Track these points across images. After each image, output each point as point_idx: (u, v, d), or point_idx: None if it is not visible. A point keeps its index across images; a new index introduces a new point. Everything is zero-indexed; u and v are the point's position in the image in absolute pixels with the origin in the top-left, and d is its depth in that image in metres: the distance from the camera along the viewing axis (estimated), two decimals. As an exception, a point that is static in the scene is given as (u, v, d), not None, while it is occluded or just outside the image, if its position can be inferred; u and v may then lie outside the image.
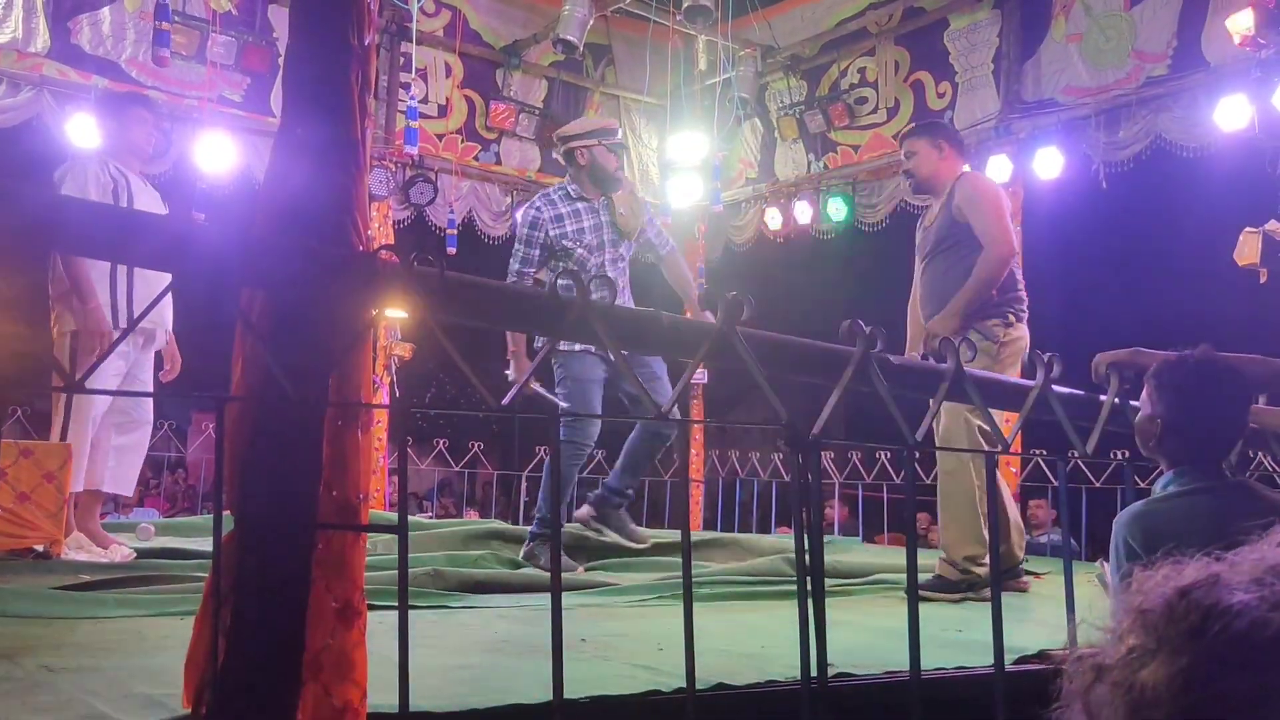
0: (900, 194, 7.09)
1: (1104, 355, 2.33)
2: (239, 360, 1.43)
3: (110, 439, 4.42)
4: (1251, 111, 5.33)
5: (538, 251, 4.54)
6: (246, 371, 1.41)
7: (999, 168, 6.23)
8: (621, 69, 8.13)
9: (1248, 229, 5.27)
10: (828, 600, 1.44)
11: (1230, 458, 2.29)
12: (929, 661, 2.20)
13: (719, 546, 5.48)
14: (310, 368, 1.36)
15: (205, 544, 4.01)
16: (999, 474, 1.77)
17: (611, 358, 4.30)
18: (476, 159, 7.53)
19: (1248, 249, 5.24)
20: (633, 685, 2.12)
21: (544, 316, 1.47)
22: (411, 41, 6.80)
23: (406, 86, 6.93)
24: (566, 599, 1.49)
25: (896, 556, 5.22)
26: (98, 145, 4.64)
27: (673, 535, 5.92)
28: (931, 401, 1.65)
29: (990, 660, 1.56)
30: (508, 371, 4.49)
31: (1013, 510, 4.31)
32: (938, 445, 3.99)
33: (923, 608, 1.58)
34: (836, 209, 7.31)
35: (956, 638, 2.99)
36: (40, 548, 3.86)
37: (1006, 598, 3.28)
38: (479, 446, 8.22)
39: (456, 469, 8.71)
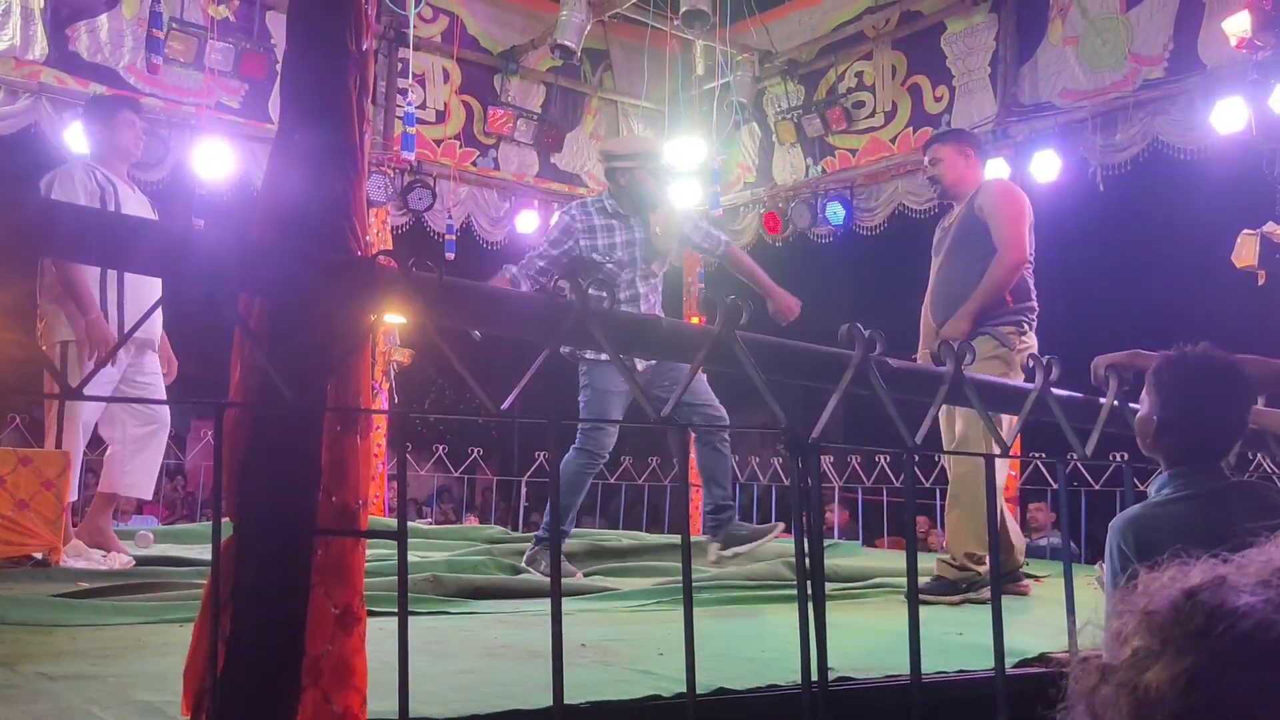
0: (898, 197, 7.10)
1: (1103, 358, 2.33)
2: (237, 366, 1.43)
3: (126, 443, 4.41)
4: (1248, 114, 5.33)
5: (559, 254, 4.52)
6: (245, 377, 1.41)
7: (996, 171, 6.22)
8: (619, 74, 8.13)
9: (1245, 231, 5.27)
10: (828, 604, 1.44)
11: (1230, 458, 2.29)
12: (930, 665, 2.19)
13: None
14: (309, 373, 1.36)
15: (204, 551, 4.01)
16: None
17: (640, 367, 4.31)
18: (474, 164, 7.54)
19: (1245, 251, 5.23)
20: (633, 690, 2.11)
21: (542, 321, 1.47)
22: (409, 47, 6.80)
23: (404, 92, 6.94)
24: (566, 604, 1.49)
25: (897, 560, 5.22)
26: (85, 151, 4.61)
27: (672, 539, 5.92)
28: (937, 405, 1.65)
29: (991, 663, 1.56)
30: None
31: (1010, 522, 4.32)
32: (952, 448, 4.03)
33: (923, 611, 1.58)
34: (834, 213, 7.32)
35: (957, 641, 2.99)
36: (39, 555, 3.85)
37: (1007, 600, 3.28)
38: (478, 452, 8.21)
39: (456, 474, 8.70)
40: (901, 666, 1.94)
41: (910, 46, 7.09)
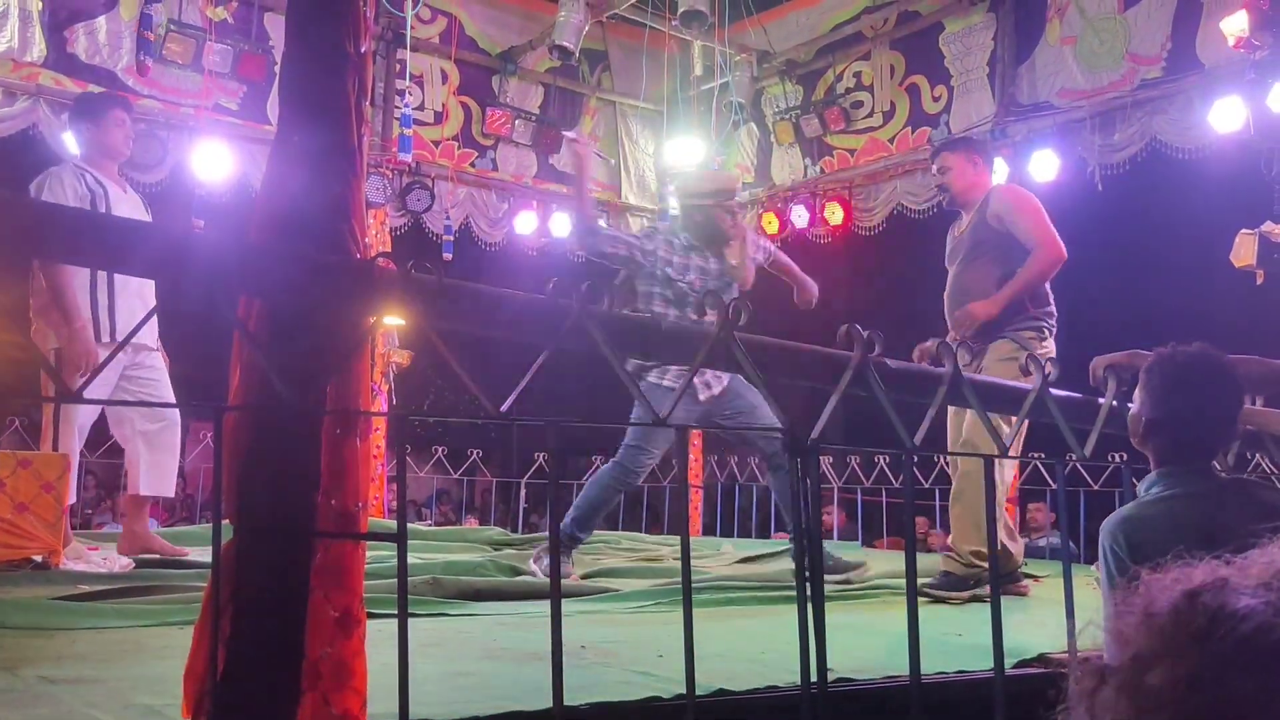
0: (896, 197, 7.10)
1: (1101, 358, 2.33)
2: (237, 368, 1.43)
3: (139, 444, 4.39)
4: (1246, 113, 5.33)
5: (635, 242, 4.54)
6: (244, 380, 1.41)
7: (996, 171, 6.23)
8: (618, 75, 8.13)
9: (1244, 230, 5.27)
10: (827, 605, 1.44)
11: (1228, 458, 2.29)
12: (929, 666, 2.19)
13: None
14: (308, 376, 1.36)
15: (204, 553, 4.00)
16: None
17: (701, 398, 4.31)
18: (473, 165, 7.53)
19: (1244, 250, 5.23)
20: (633, 692, 2.11)
21: (542, 323, 1.47)
22: (407, 48, 6.80)
23: (402, 93, 6.93)
24: (566, 606, 1.49)
25: (896, 561, 5.21)
26: (76, 153, 4.54)
27: (670, 540, 5.92)
28: (935, 406, 1.65)
29: (991, 664, 1.56)
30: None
31: (1007, 524, 4.33)
32: (959, 448, 4.04)
33: (923, 612, 1.58)
34: (833, 213, 7.32)
35: (957, 642, 2.99)
36: (39, 558, 3.85)
37: (1006, 601, 3.27)
38: (478, 454, 8.21)
39: (455, 476, 8.70)
40: (901, 667, 1.94)
41: (908, 46, 7.09)
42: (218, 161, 6.30)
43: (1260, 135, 5.34)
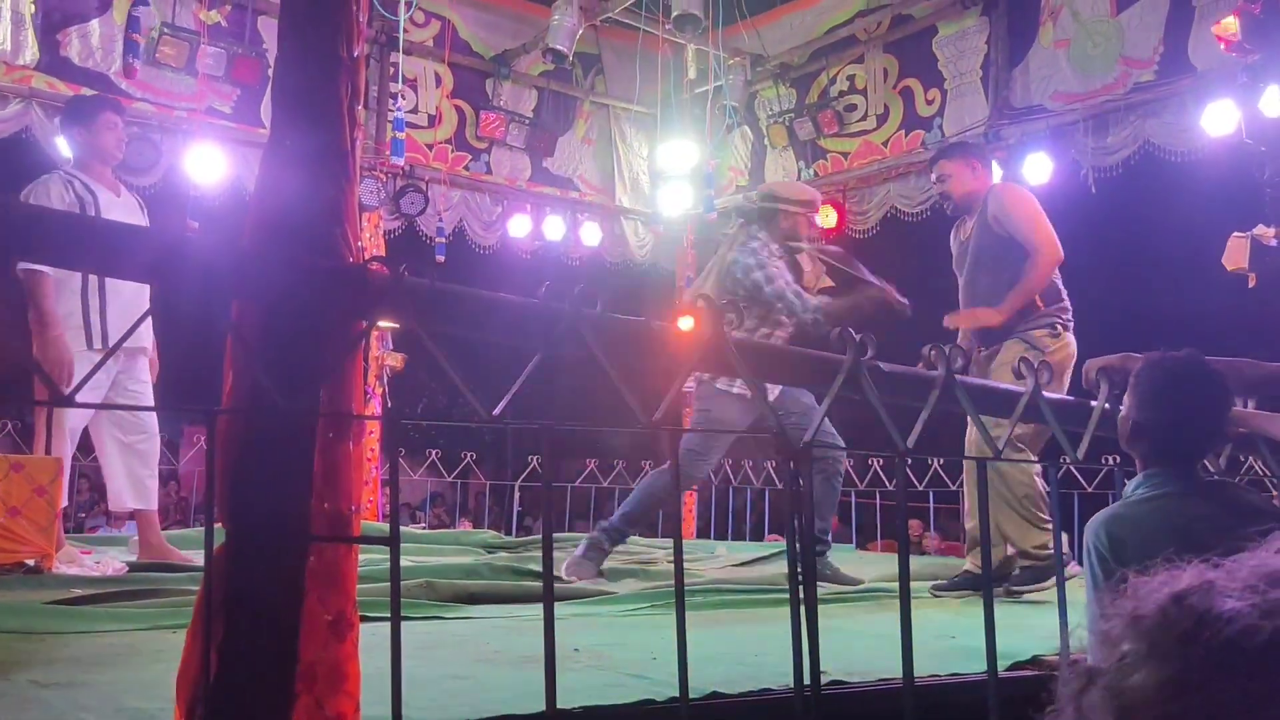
0: (890, 200, 7.11)
1: (1094, 361, 2.34)
2: (229, 372, 1.43)
3: (117, 456, 4.37)
4: (1238, 116, 5.35)
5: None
6: (237, 383, 1.41)
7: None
8: (611, 78, 8.14)
9: (1235, 234, 5.28)
10: (821, 608, 1.44)
11: (1220, 461, 2.30)
12: (923, 668, 2.20)
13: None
14: (301, 379, 1.36)
15: (197, 557, 4.00)
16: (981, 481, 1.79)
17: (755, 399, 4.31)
18: (467, 169, 7.53)
19: (1236, 253, 5.25)
20: (626, 695, 2.11)
21: (535, 328, 1.47)
22: (400, 51, 6.80)
23: (396, 97, 6.94)
24: (560, 609, 1.49)
25: (890, 564, 5.22)
26: (69, 157, 4.50)
27: (664, 544, 5.92)
28: (928, 409, 1.66)
29: (984, 666, 1.56)
30: None
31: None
32: (965, 450, 4.03)
33: (916, 615, 1.58)
34: (826, 216, 7.32)
35: (951, 644, 2.99)
36: (31, 562, 3.84)
37: (1006, 601, 3.28)
38: (471, 457, 8.21)
39: (449, 479, 8.71)
40: (895, 669, 1.95)
41: (902, 50, 7.10)
42: (212, 165, 6.30)
43: (1252, 139, 5.36)
